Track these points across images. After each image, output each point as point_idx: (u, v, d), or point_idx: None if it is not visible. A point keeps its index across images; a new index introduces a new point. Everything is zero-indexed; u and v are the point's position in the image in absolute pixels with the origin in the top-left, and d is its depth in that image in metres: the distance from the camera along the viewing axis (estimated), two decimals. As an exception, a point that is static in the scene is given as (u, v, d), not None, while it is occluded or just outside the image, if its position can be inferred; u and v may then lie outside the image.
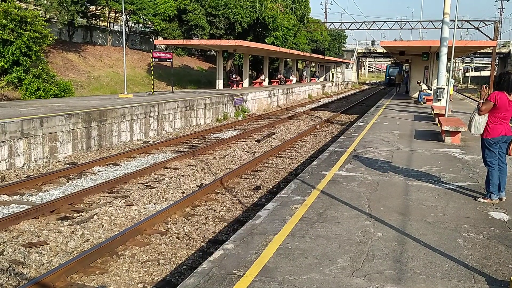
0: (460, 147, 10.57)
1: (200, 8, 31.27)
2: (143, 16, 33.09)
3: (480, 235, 5.02)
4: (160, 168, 10.52)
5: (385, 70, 75.42)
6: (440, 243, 4.77)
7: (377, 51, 70.02)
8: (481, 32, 38.75)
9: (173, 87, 23.88)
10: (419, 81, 25.73)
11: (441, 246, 4.71)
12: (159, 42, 31.60)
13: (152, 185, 9.14)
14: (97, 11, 32.86)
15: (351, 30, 67.64)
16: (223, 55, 27.69)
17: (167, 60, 22.50)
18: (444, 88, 17.09)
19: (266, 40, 35.53)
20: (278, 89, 29.40)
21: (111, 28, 35.65)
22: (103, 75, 26.85)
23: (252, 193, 8.84)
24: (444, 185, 7.13)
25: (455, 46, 14.79)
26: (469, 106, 23.51)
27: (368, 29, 65.79)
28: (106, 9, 32.79)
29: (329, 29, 60.63)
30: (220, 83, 27.57)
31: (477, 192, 6.68)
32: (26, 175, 9.70)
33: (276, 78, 38.03)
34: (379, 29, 65.33)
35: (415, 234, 5.02)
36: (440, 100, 17.01)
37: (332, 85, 49.85)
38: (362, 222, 5.37)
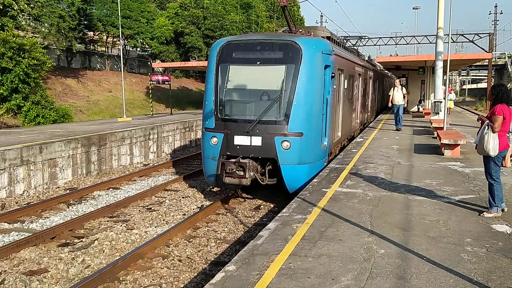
0: (460, 160, 10.55)
1: (196, 31, 31.68)
2: (141, 40, 33.51)
3: (483, 249, 4.98)
4: (161, 191, 10.50)
5: None
6: (443, 258, 4.73)
7: (373, 66, 70.44)
8: (476, 45, 39.00)
9: (172, 109, 23.98)
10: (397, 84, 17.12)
11: (444, 261, 4.66)
12: (157, 65, 31.90)
13: (153, 208, 9.10)
14: (95, 37, 33.28)
15: (346, 47, 68.30)
16: (220, 76, 27.83)
17: (165, 83, 22.68)
18: (441, 102, 17.13)
19: (263, 60, 35.82)
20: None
21: (109, 53, 36.01)
22: (102, 99, 27.01)
23: (253, 212, 8.80)
24: (446, 199, 7.10)
25: (450, 60, 14.88)
26: (467, 118, 23.53)
27: (363, 45, 66.34)
28: (104, 34, 33.20)
29: (325, 46, 61.16)
30: (218, 104, 27.64)
31: (479, 206, 6.63)
32: (26, 202, 9.67)
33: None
34: (374, 45, 65.76)
35: (418, 249, 4.98)
36: (438, 113, 17.05)
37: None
38: (364, 239, 5.32)
